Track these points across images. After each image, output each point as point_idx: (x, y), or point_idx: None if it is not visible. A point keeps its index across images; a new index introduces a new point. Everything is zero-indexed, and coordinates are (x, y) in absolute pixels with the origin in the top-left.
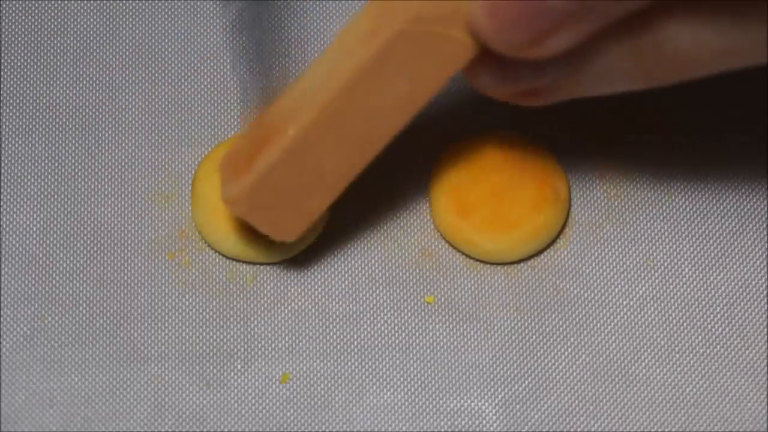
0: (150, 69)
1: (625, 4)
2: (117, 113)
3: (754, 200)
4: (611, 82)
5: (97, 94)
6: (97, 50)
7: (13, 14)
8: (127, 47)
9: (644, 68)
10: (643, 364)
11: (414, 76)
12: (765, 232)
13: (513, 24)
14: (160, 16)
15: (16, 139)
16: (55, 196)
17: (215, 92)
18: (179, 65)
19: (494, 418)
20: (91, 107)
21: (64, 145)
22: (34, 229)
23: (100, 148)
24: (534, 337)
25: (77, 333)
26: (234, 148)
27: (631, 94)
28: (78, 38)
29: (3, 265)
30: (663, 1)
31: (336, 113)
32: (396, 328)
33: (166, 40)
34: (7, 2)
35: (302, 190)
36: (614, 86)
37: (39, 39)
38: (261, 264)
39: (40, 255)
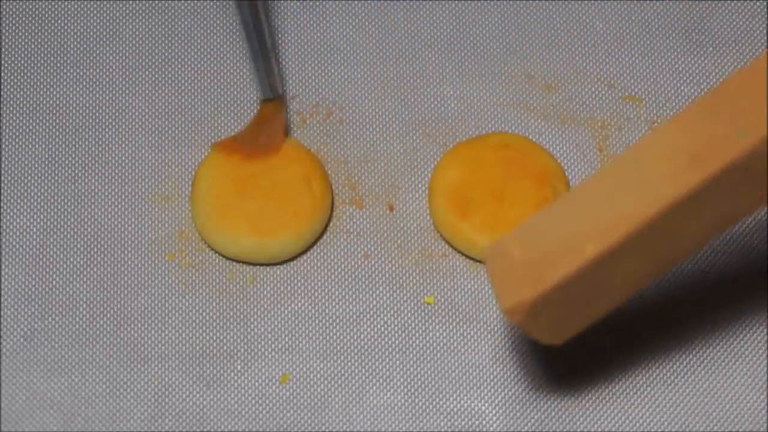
0: (150, 70)
1: None
2: (117, 114)
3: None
4: None
5: (97, 95)
6: (98, 51)
7: (13, 14)
8: (127, 48)
9: None
10: (644, 363)
11: (732, 204)
12: (765, 232)
13: None
14: (160, 16)
15: (16, 139)
16: (55, 196)
17: (215, 92)
18: (179, 66)
19: (494, 418)
20: (91, 108)
21: (64, 145)
22: (34, 229)
23: (100, 148)
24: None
25: (77, 333)
26: (504, 246)
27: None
28: (78, 39)
29: (3, 265)
30: None
31: (644, 236)
32: (396, 328)
33: (166, 41)
34: (7, 2)
35: (587, 302)
36: None
37: (39, 39)
38: (261, 264)
39: (40, 255)
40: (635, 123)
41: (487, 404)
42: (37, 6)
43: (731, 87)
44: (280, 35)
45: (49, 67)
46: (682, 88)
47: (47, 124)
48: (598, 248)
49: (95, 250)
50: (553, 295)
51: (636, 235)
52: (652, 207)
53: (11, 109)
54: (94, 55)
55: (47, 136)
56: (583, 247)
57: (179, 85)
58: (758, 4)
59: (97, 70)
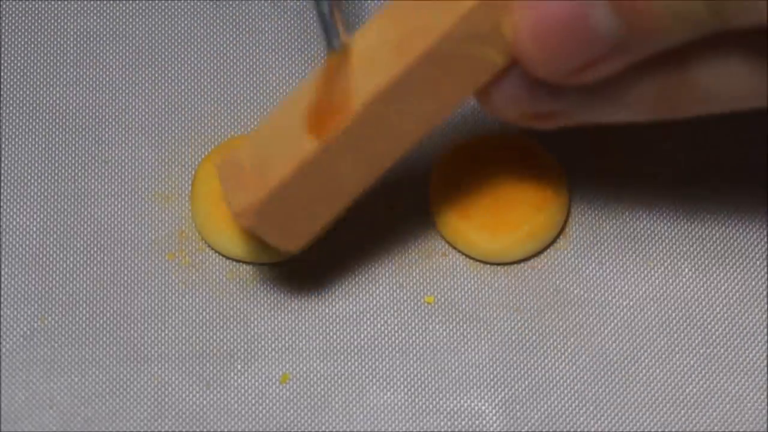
0: (150, 69)
1: (676, 38)
2: (117, 113)
3: (755, 200)
4: (632, 112)
5: (97, 95)
6: (97, 51)
7: (13, 14)
8: (127, 47)
9: (670, 102)
10: (643, 364)
11: (439, 93)
12: (765, 232)
13: (561, 52)
14: (160, 16)
15: (16, 139)
16: (55, 196)
17: (215, 92)
18: (179, 65)
19: (494, 418)
20: (91, 107)
21: (64, 145)
22: (34, 229)
23: (100, 148)
24: (534, 337)
25: (77, 333)
26: (234, 155)
27: None
28: (78, 39)
29: (3, 265)
30: (715, 37)
31: (357, 130)
32: (396, 328)
33: (166, 40)
34: (7, 2)
35: (313, 201)
36: (634, 116)
37: (39, 39)
38: (261, 264)
39: (40, 255)
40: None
41: (487, 404)
42: (37, 6)
43: None
44: (280, 35)
45: (49, 67)
46: None
47: (47, 124)
48: (313, 145)
49: (95, 249)
50: (279, 196)
51: (349, 129)
52: (359, 99)
53: (11, 109)
54: (94, 55)
55: (47, 136)
56: (301, 144)
57: (179, 85)
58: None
59: (97, 70)
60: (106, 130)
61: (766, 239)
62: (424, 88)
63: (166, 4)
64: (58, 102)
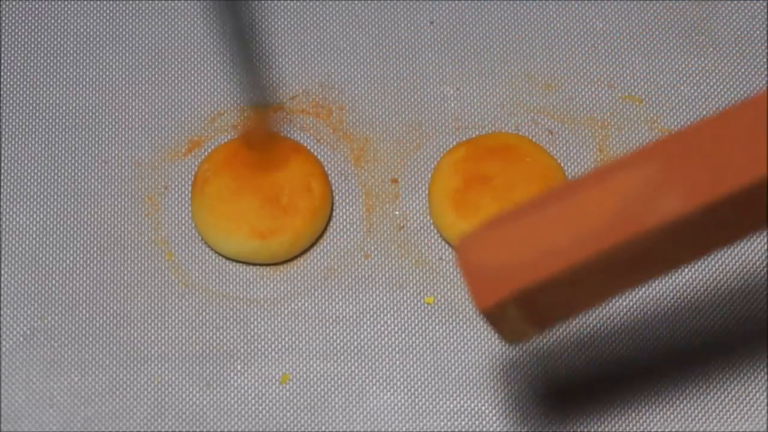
0: (150, 69)
1: None
2: (116, 113)
3: None
4: None
5: (97, 94)
6: (97, 50)
7: (13, 14)
8: (127, 47)
9: None
10: (643, 363)
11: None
12: (765, 232)
13: None
14: (160, 16)
15: (16, 139)
16: (55, 196)
17: (215, 92)
18: (179, 65)
19: (494, 418)
20: (91, 107)
21: (64, 145)
22: (34, 229)
23: (99, 148)
24: (533, 337)
25: (77, 333)
26: (486, 247)
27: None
28: (78, 39)
29: (3, 265)
30: None
31: (621, 254)
32: (396, 328)
33: (166, 40)
34: (7, 2)
35: (557, 306)
36: None
37: (39, 39)
38: (261, 265)
39: (40, 255)
40: (635, 123)
41: (487, 404)
42: (37, 6)
43: (721, 122)
44: (280, 35)
45: (49, 67)
46: (682, 88)
47: (47, 124)
48: (571, 260)
49: (95, 250)
50: (526, 296)
51: (608, 253)
52: (632, 226)
53: (11, 109)
54: (94, 55)
55: (47, 136)
56: (559, 255)
57: (179, 85)
58: (758, 4)
59: (97, 70)
60: (106, 130)
61: (766, 239)
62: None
63: (166, 5)
64: (58, 102)
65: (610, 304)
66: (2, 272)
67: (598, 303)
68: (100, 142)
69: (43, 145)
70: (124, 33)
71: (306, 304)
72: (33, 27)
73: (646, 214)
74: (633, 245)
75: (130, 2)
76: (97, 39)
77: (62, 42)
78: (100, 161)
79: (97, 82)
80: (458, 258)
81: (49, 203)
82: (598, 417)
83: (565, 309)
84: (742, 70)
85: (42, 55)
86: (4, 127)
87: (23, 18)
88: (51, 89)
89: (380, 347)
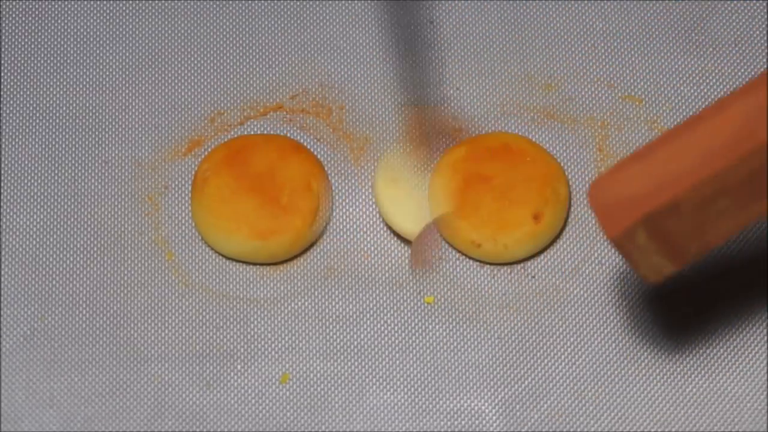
0: (150, 69)
1: None
2: (116, 113)
3: None
4: None
5: (97, 94)
6: (97, 50)
7: (13, 14)
8: (127, 47)
9: None
10: (643, 364)
11: None
12: (765, 233)
13: None
14: (160, 16)
15: (16, 139)
16: (55, 196)
17: (215, 92)
18: (179, 65)
19: (494, 418)
20: (91, 107)
21: (64, 145)
22: (34, 229)
23: (99, 148)
24: (534, 337)
25: (77, 333)
26: (615, 183)
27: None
28: (78, 39)
29: (3, 265)
30: None
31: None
32: (396, 328)
33: (166, 40)
34: (7, 3)
35: (689, 232)
36: None
37: (39, 39)
38: (261, 264)
39: (40, 255)
40: (635, 123)
41: (487, 404)
42: (37, 6)
43: None
44: (280, 35)
45: (49, 67)
46: (682, 88)
47: (47, 124)
48: (692, 180)
49: (95, 250)
50: (654, 221)
51: (727, 171)
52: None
53: (11, 109)
54: (94, 55)
55: (47, 136)
56: (681, 178)
57: (179, 85)
58: (758, 4)
59: (97, 70)
60: (106, 130)
61: (766, 239)
62: None
63: (166, 5)
64: (58, 102)
65: (609, 300)
66: (2, 272)
67: (728, 232)
68: (100, 142)
69: (43, 146)
70: (124, 33)
71: (306, 303)
72: (33, 27)
73: (760, 131)
74: (750, 161)
75: (130, 2)
76: (97, 39)
77: (62, 42)
78: (100, 161)
79: (97, 82)
80: (590, 199)
81: (49, 203)
82: (598, 417)
83: (696, 239)
84: (742, 70)
85: (42, 55)
86: (4, 127)
87: (23, 18)
88: (51, 89)
89: (380, 347)
